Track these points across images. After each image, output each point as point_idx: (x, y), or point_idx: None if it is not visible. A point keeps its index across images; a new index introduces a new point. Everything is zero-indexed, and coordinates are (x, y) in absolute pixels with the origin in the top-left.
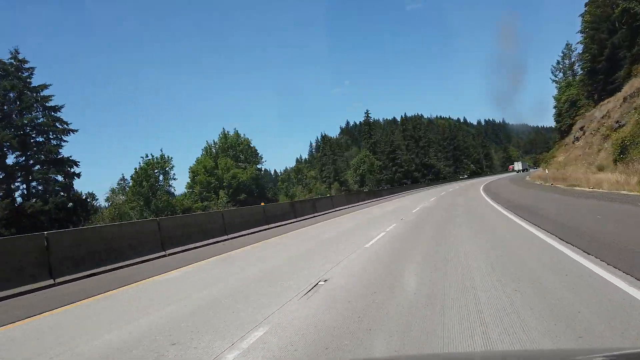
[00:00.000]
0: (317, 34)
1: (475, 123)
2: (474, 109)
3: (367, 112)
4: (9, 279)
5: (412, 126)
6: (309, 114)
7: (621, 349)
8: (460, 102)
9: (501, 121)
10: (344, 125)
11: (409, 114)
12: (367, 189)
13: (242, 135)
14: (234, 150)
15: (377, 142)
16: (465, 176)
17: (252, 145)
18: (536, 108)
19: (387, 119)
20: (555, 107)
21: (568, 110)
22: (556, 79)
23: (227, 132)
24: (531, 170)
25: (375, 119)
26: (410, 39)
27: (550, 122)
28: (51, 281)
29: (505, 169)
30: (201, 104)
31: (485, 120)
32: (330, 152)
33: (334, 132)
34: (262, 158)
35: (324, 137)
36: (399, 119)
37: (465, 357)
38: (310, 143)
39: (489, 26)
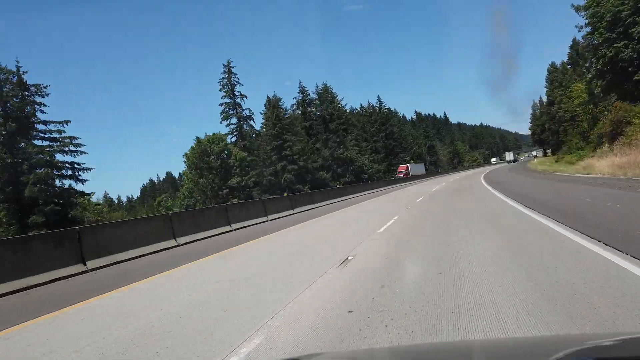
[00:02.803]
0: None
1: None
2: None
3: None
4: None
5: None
6: None
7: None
8: (392, 94)
9: (442, 116)
10: None
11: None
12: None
13: None
14: None
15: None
16: (401, 175)
17: None
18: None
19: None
20: None
21: None
22: None
23: None
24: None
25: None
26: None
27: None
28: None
29: (453, 167)
30: None
31: (426, 114)
32: None
33: None
34: None
35: None
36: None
37: (465, 345)
38: None
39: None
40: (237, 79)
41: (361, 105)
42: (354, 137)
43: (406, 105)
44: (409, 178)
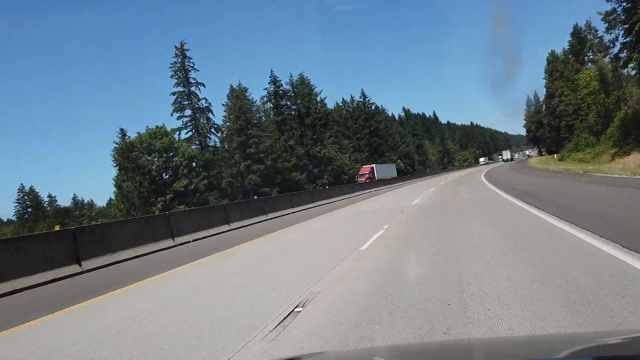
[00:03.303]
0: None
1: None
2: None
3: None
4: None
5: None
6: None
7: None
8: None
9: (431, 115)
10: None
11: None
12: None
13: None
14: None
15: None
16: (364, 179)
17: None
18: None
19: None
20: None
21: None
22: None
23: None
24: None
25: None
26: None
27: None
28: None
29: (443, 167)
30: None
31: (415, 114)
32: None
33: None
34: None
35: None
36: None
37: (466, 343)
38: None
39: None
40: (191, 64)
41: (343, 99)
42: (333, 134)
43: (395, 104)
44: (383, 182)
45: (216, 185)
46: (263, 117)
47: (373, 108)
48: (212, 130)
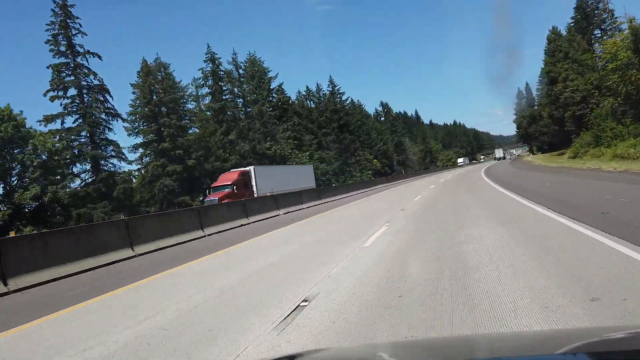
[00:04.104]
0: None
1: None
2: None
3: None
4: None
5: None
6: None
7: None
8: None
9: (413, 114)
10: None
11: None
12: None
13: None
14: None
15: None
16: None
17: None
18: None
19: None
20: None
21: None
22: None
23: None
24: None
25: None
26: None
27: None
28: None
29: (425, 168)
30: None
31: (397, 112)
32: None
33: None
34: None
35: None
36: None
37: (469, 339)
38: None
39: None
40: (78, 25)
41: (307, 88)
42: (291, 127)
43: (374, 103)
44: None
45: (103, 193)
46: (195, 105)
47: (345, 100)
48: (102, 116)
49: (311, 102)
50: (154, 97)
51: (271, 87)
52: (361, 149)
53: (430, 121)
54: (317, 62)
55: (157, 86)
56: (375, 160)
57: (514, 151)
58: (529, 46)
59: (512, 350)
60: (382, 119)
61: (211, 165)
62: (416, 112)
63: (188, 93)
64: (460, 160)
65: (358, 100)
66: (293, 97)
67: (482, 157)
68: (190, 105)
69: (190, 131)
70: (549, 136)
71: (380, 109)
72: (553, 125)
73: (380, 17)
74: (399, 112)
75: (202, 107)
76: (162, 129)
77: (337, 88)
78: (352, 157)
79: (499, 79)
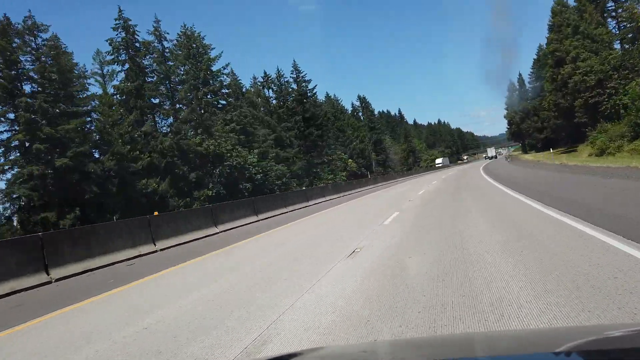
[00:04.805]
0: None
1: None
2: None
3: None
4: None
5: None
6: None
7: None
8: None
9: (396, 113)
10: None
11: None
12: None
13: None
14: None
15: None
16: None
17: None
18: None
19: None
20: None
21: None
22: None
23: None
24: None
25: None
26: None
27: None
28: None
29: (407, 169)
30: None
31: (379, 112)
32: None
33: None
34: None
35: None
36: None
37: (468, 337)
38: None
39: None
40: None
41: (265, 73)
42: (236, 118)
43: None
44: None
45: None
46: (100, 86)
47: (312, 88)
48: None
49: (269, 91)
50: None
51: (212, 69)
52: (333, 147)
53: (415, 120)
54: (302, 64)
55: (21, 53)
56: (350, 160)
57: (501, 150)
58: (525, 43)
59: (512, 348)
60: (360, 114)
61: (100, 165)
62: (399, 111)
63: (89, 71)
64: (438, 160)
65: (335, 95)
66: (248, 85)
67: (465, 157)
68: (94, 88)
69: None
70: (548, 132)
71: (357, 103)
72: (556, 118)
73: (364, 20)
74: (382, 111)
75: (111, 88)
76: (28, 113)
77: (302, 75)
78: (320, 156)
79: (490, 76)
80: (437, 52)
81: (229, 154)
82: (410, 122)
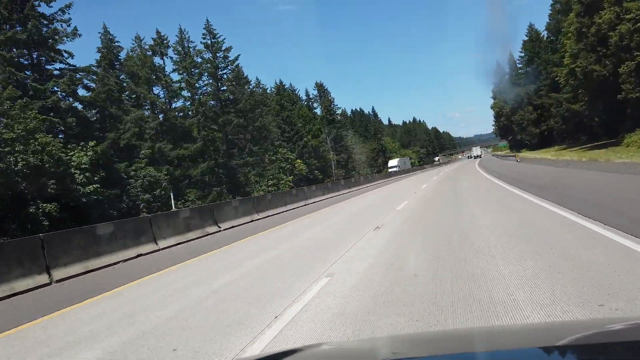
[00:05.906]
0: None
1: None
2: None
3: None
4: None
5: None
6: None
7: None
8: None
9: (370, 112)
10: None
11: None
12: None
13: None
14: None
15: None
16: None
17: None
18: None
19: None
20: None
21: None
22: None
23: None
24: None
25: None
26: None
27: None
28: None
29: (377, 171)
30: None
31: (352, 110)
32: None
33: None
34: None
35: None
36: None
37: (468, 332)
38: None
39: None
40: None
41: (158, 32)
42: (89, 100)
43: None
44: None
45: None
46: None
47: (235, 59)
48: None
49: (165, 58)
50: None
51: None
52: (278, 143)
53: (389, 120)
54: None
55: None
56: (298, 160)
57: (478, 150)
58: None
59: (513, 343)
60: (317, 105)
61: None
62: (373, 109)
63: None
64: (393, 162)
65: (291, 84)
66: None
67: (437, 158)
68: None
69: None
70: (552, 123)
71: (314, 92)
72: (577, 101)
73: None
74: (355, 109)
75: None
76: None
77: (220, 40)
78: (242, 154)
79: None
80: (420, 51)
81: (54, 157)
82: (385, 122)
